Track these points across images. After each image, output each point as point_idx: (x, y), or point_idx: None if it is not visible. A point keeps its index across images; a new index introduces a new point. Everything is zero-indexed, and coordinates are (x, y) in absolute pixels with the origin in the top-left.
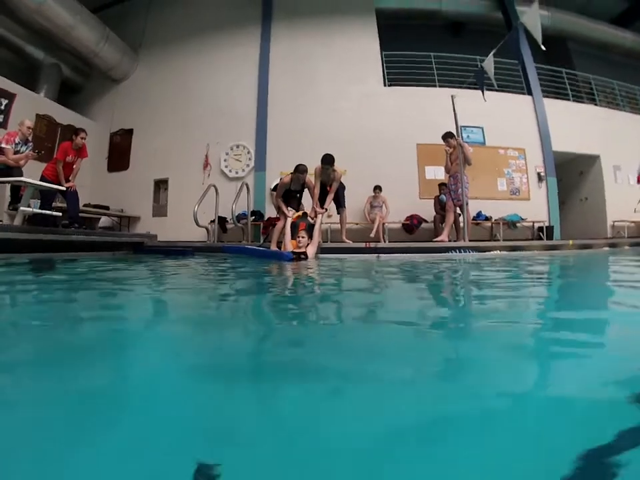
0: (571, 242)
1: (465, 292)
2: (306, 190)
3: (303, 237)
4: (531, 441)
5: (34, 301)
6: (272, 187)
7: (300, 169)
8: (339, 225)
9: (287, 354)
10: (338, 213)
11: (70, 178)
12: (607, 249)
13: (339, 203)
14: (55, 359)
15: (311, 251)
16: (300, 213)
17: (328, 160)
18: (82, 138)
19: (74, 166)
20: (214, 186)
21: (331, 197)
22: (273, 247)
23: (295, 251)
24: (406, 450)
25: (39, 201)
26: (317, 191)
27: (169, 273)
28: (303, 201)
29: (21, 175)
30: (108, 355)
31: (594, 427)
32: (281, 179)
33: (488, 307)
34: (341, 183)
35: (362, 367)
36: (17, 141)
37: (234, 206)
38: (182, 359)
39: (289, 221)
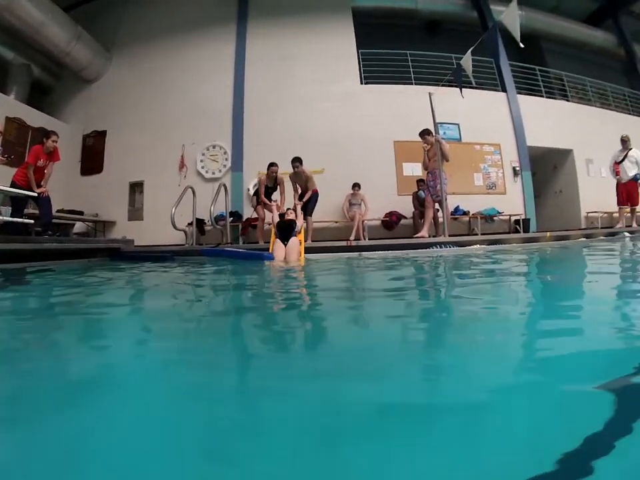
0: (548, 234)
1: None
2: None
3: (291, 212)
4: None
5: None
6: (252, 192)
7: (270, 164)
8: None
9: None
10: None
11: (42, 183)
12: (583, 239)
13: (306, 210)
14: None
15: (298, 223)
16: (285, 209)
17: (294, 159)
18: (53, 141)
19: (45, 170)
20: (191, 188)
21: (309, 193)
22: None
23: (284, 220)
24: None
25: (10, 208)
26: (295, 194)
27: (149, 286)
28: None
29: None
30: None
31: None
32: (259, 179)
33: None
34: (317, 192)
35: None
36: None
37: (212, 208)
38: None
39: (276, 214)
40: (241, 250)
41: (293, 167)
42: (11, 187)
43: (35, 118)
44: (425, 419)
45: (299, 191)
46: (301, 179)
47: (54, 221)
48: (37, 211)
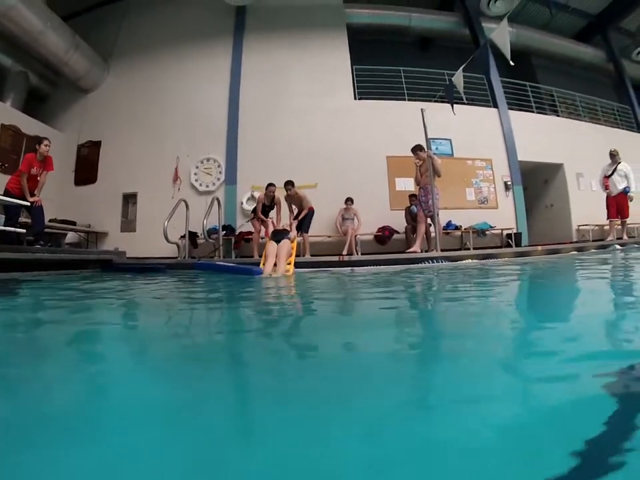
0: (539, 248)
1: None
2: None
3: (287, 226)
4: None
5: None
6: (251, 210)
7: (269, 184)
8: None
9: None
10: (300, 235)
11: (35, 192)
12: (574, 252)
13: (302, 227)
14: None
15: (292, 234)
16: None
17: (286, 183)
18: (46, 145)
19: (39, 178)
20: (184, 201)
21: (304, 212)
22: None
23: (278, 229)
24: None
25: (3, 216)
26: (290, 215)
27: (138, 303)
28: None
29: None
30: None
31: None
32: (257, 197)
33: None
34: (312, 210)
35: None
36: None
37: (205, 221)
38: None
39: (271, 228)
40: (231, 264)
41: (286, 190)
42: (4, 195)
43: (30, 126)
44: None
45: (295, 212)
46: (294, 200)
47: (46, 230)
48: (29, 220)
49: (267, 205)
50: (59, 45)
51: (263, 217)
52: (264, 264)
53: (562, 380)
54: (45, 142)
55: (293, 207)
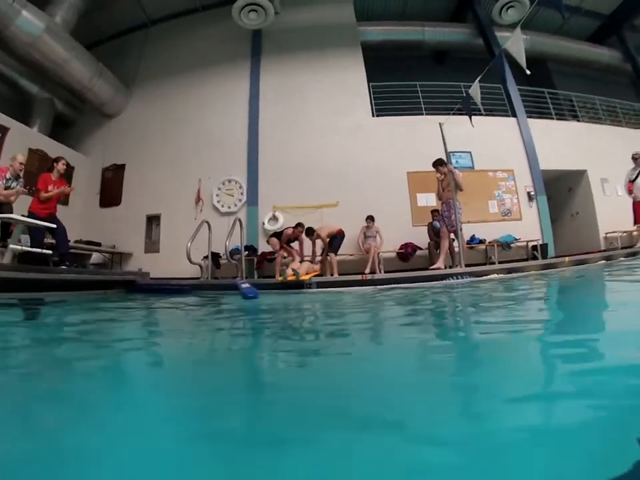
0: (566, 259)
1: None
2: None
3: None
4: None
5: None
6: (271, 234)
7: (298, 224)
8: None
9: None
10: (327, 255)
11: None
12: (603, 261)
13: (330, 248)
14: None
15: (315, 266)
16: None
17: (306, 232)
18: (63, 164)
19: (60, 197)
20: (207, 222)
21: (327, 248)
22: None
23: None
24: None
25: (28, 237)
26: (317, 247)
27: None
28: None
29: (11, 212)
30: None
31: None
32: (284, 231)
33: None
34: (342, 233)
35: None
36: (7, 177)
37: (227, 242)
38: None
39: (297, 258)
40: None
41: (309, 238)
42: (28, 217)
43: (56, 150)
44: None
45: (321, 246)
46: (320, 238)
47: (71, 251)
48: (54, 241)
49: (291, 240)
50: (83, 73)
51: (287, 247)
52: (280, 276)
53: None
54: (62, 161)
55: (319, 242)
